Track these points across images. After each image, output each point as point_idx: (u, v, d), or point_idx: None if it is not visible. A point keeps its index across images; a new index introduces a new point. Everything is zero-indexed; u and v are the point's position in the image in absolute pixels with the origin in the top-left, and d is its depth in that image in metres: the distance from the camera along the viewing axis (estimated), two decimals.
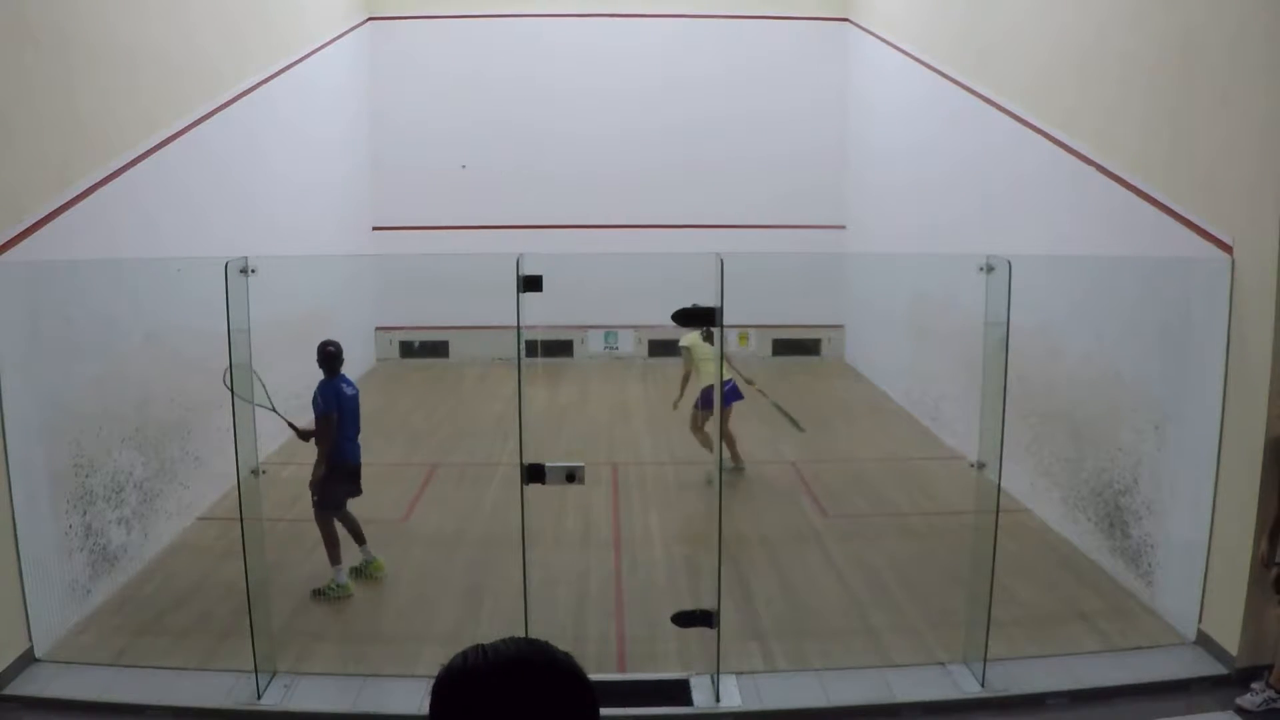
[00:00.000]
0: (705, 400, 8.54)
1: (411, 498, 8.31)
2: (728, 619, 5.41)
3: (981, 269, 5.19)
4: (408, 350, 14.96)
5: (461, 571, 6.64)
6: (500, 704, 1.29)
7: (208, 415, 7.45)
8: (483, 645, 1.36)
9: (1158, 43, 6.21)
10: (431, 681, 1.33)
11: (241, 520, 5.10)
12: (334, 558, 6.34)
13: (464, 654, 1.35)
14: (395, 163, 14.48)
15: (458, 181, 14.47)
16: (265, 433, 6.50)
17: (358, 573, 6.55)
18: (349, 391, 6.43)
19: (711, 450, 8.07)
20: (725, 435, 8.67)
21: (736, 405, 8.77)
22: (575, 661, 1.36)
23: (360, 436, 6.54)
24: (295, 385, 10.30)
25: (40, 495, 5.59)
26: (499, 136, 14.51)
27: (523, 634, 1.70)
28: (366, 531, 6.49)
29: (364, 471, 6.58)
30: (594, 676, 1.40)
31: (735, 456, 8.90)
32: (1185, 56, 5.88)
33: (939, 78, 10.45)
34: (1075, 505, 7.15)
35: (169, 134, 7.55)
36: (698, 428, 8.81)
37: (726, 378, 8.38)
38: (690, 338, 8.85)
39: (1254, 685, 5.06)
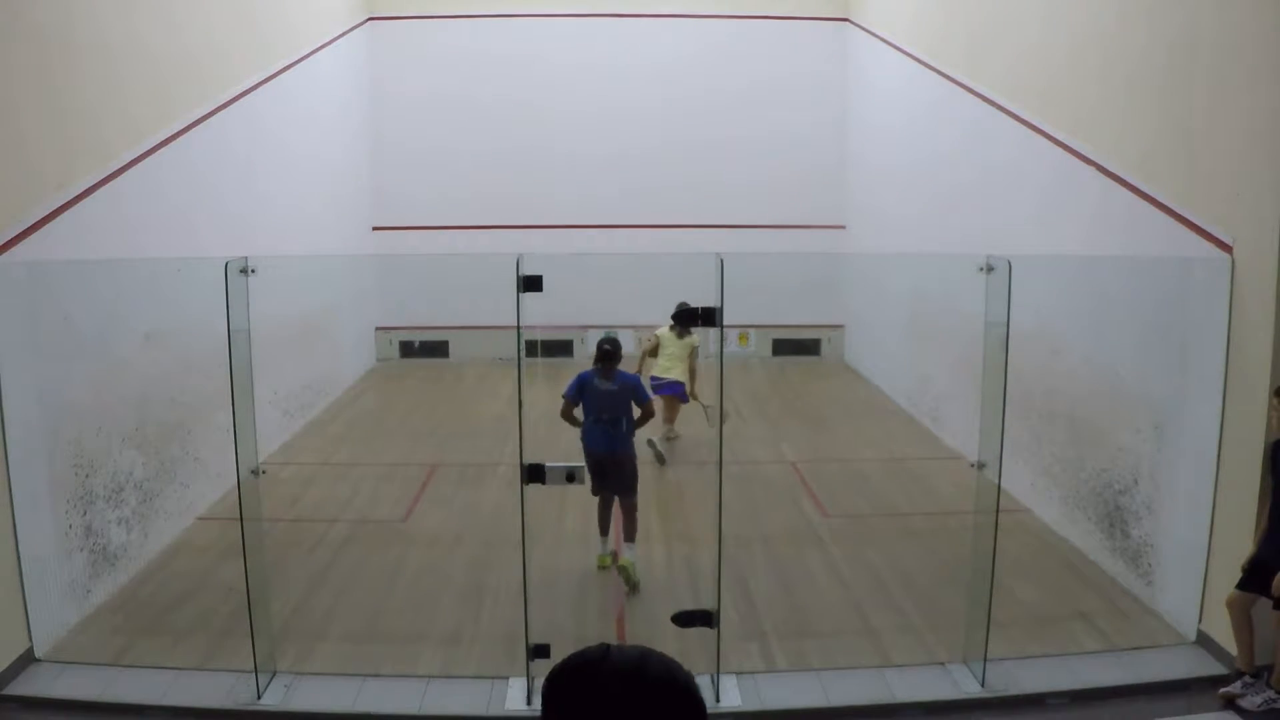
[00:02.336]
0: (655, 387, 9.19)
1: (412, 498, 8.30)
2: (728, 619, 5.41)
3: (981, 269, 5.19)
4: (408, 350, 14.96)
5: (461, 571, 6.63)
6: (610, 706, 1.28)
7: (208, 415, 7.45)
8: (606, 644, 1.35)
9: (1159, 43, 6.21)
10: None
11: (241, 520, 5.09)
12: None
13: (584, 650, 1.34)
14: (395, 163, 14.49)
15: (458, 181, 14.47)
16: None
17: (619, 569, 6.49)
18: (599, 385, 6.54)
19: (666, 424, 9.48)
20: (666, 411, 9.60)
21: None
22: (693, 680, 1.34)
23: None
24: (294, 384, 10.37)
25: (40, 495, 5.59)
26: (499, 136, 14.50)
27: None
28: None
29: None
30: None
31: (670, 428, 9.67)
32: (1186, 57, 5.88)
33: (939, 78, 10.45)
34: (1075, 505, 7.15)
35: (170, 133, 7.54)
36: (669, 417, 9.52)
37: (677, 379, 9.35)
38: (665, 332, 9.44)
39: (1247, 679, 5.03)
